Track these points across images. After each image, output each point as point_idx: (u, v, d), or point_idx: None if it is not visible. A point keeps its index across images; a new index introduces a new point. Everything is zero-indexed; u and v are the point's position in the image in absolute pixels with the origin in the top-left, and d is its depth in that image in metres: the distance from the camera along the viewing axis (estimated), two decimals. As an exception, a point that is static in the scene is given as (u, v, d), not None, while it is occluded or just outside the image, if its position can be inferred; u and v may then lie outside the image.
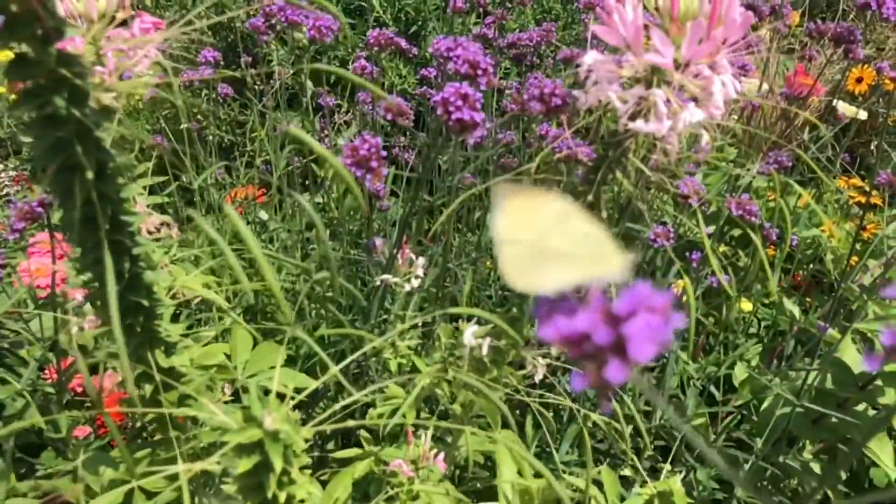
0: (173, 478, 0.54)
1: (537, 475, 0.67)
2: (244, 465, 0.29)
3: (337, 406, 0.39)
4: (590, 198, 0.47)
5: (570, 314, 0.18)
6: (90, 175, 0.38)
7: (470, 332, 0.56)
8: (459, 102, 0.54)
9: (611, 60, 0.44)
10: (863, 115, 1.32)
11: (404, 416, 0.57)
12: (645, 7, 0.44)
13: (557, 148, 0.61)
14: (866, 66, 1.60)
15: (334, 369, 0.39)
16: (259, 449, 0.29)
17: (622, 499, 0.74)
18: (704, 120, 0.43)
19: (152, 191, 1.30)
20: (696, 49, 0.41)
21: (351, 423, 0.38)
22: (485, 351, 0.55)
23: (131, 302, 0.46)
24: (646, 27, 0.42)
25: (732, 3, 0.41)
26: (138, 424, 0.90)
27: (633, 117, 0.43)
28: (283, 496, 0.31)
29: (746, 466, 0.99)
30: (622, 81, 0.44)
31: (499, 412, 0.54)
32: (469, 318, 0.59)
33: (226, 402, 0.74)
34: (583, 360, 0.18)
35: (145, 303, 0.46)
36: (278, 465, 0.29)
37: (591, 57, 0.45)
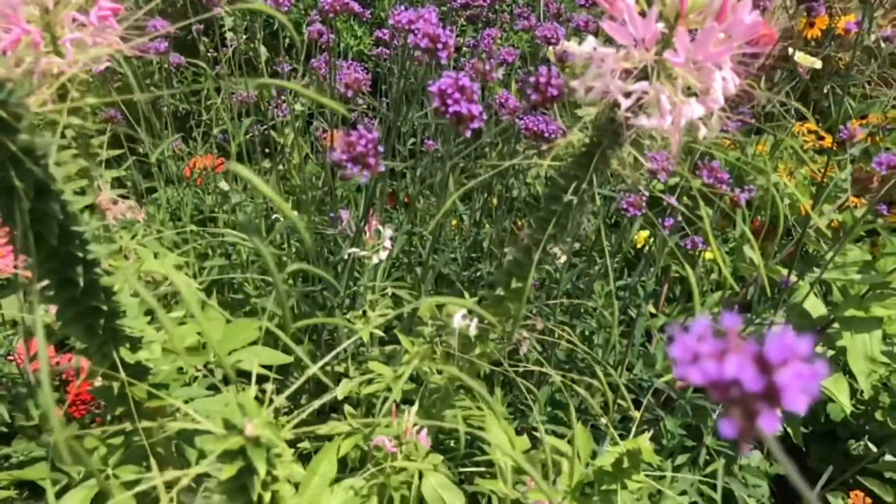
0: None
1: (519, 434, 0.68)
2: (228, 471, 0.29)
3: (310, 371, 0.39)
4: (584, 185, 0.46)
5: (716, 357, 0.18)
6: (27, 199, 0.36)
7: (460, 316, 0.57)
8: (457, 95, 0.51)
9: (615, 53, 0.41)
10: (818, 64, 1.33)
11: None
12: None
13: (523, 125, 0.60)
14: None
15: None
16: (242, 455, 0.30)
17: (595, 455, 0.76)
18: (703, 114, 0.42)
19: (108, 164, 1.27)
20: (707, 52, 0.39)
21: (327, 398, 0.39)
22: (473, 332, 0.56)
23: (90, 305, 0.46)
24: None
25: (744, 3, 0.39)
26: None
27: (633, 111, 0.41)
28: (267, 496, 0.32)
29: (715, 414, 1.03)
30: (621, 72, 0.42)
31: (485, 386, 0.55)
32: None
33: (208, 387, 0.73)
34: (728, 405, 0.18)
35: (104, 307, 0.46)
36: (262, 469, 0.29)
37: (589, 45, 0.42)
